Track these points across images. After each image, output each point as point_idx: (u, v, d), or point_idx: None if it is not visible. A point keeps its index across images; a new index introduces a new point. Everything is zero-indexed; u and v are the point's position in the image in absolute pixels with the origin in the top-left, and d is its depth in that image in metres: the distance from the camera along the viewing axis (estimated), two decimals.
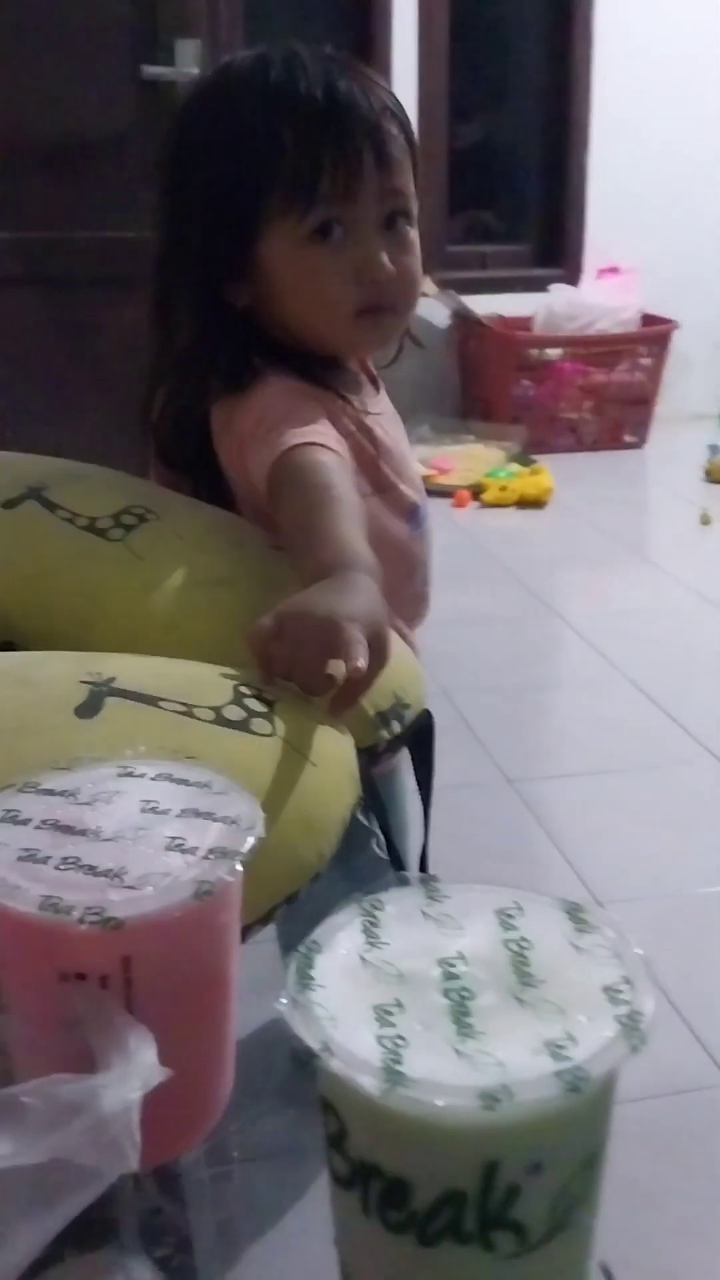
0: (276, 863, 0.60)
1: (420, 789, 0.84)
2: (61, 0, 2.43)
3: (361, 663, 0.64)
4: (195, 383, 0.95)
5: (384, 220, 0.92)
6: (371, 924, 0.44)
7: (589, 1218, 0.41)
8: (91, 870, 0.45)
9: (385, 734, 0.76)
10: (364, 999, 0.40)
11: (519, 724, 2.30)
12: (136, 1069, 0.42)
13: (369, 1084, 0.37)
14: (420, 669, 0.84)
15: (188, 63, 2.46)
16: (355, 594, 0.69)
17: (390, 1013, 0.39)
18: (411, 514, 1.01)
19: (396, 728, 0.77)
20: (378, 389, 1.05)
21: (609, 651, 2.53)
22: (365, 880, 0.52)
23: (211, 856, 0.46)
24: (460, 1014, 0.39)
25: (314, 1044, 0.38)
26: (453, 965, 0.42)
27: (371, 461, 0.97)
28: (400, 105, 0.94)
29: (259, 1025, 0.59)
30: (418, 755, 0.82)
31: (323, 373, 0.95)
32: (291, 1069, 0.85)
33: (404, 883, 0.46)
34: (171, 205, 0.95)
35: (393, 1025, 0.39)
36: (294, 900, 0.63)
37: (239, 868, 0.46)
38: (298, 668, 0.67)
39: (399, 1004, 0.40)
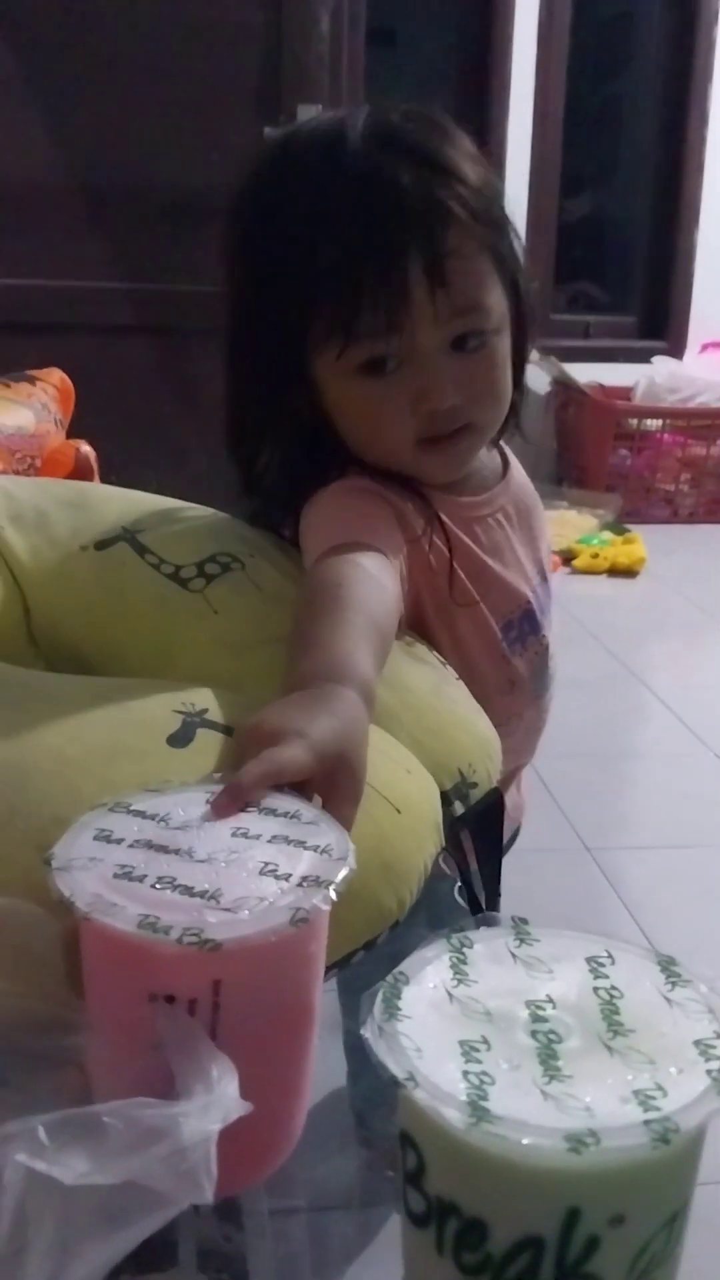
0: (357, 908, 0.59)
1: (481, 873, 0.77)
2: (191, 64, 2.52)
3: (261, 767, 0.53)
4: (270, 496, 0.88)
5: (450, 343, 0.80)
6: (460, 961, 0.43)
7: (663, 1277, 0.40)
8: (188, 891, 0.45)
9: (448, 815, 0.70)
10: (450, 1033, 0.40)
11: (600, 792, 2.26)
12: (218, 1100, 0.41)
13: (453, 1117, 0.36)
14: (494, 743, 0.78)
15: None
16: (320, 709, 0.58)
17: (476, 1049, 0.39)
18: (506, 630, 0.90)
19: (459, 808, 0.72)
20: (506, 470, 0.94)
21: (695, 724, 2.49)
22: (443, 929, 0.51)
23: (305, 884, 0.46)
24: (547, 1056, 0.39)
25: (399, 1073, 0.38)
26: (541, 1008, 0.41)
27: (445, 571, 0.86)
28: (485, 184, 0.80)
29: (333, 1064, 0.59)
30: (482, 837, 0.76)
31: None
32: (355, 1118, 0.84)
33: (488, 923, 0.46)
34: (232, 304, 0.86)
35: (479, 1061, 0.38)
36: (372, 947, 0.62)
37: (334, 896, 0.46)
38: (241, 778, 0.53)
39: (485, 1041, 0.39)
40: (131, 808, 0.52)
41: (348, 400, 0.82)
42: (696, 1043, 0.40)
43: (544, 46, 3.90)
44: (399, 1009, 0.40)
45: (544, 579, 0.96)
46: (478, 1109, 0.36)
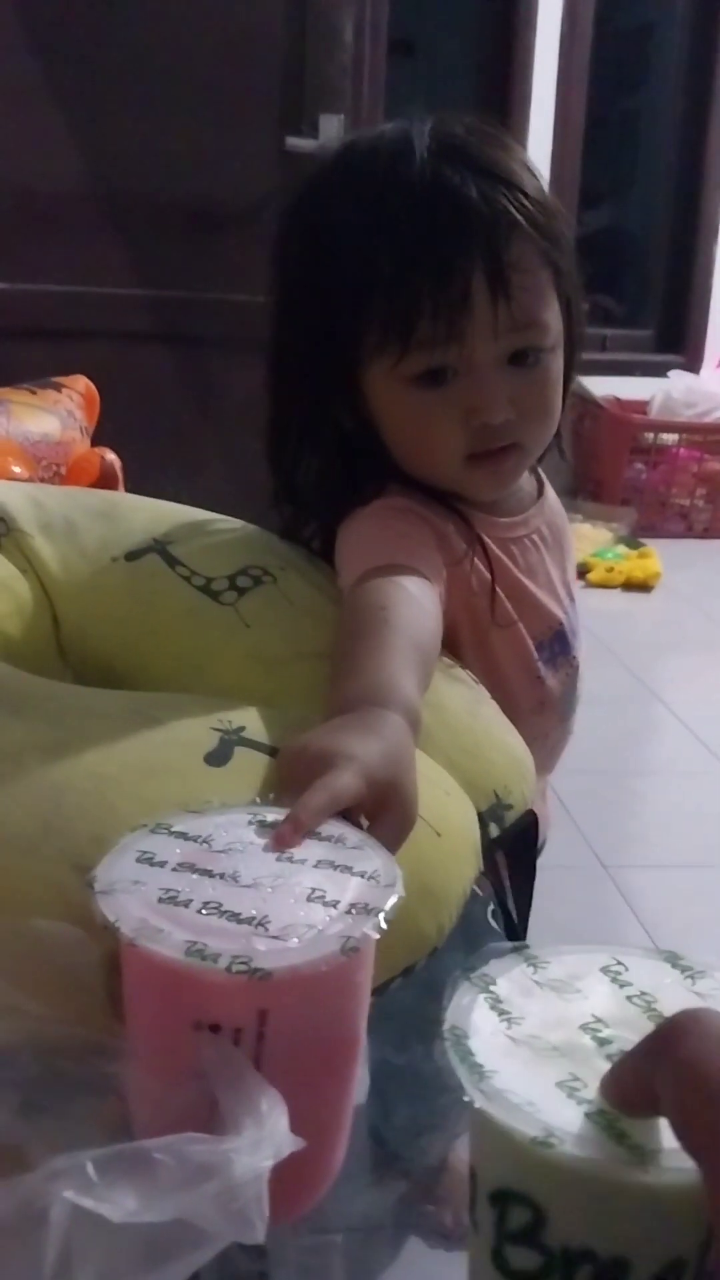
0: (397, 934, 0.57)
1: (515, 897, 0.76)
2: (213, 73, 2.52)
3: (321, 797, 0.52)
4: (308, 508, 0.88)
5: (507, 358, 0.79)
6: (495, 1000, 0.43)
7: None
8: (234, 917, 0.44)
9: (483, 837, 0.70)
10: (541, 1078, 0.39)
11: (616, 809, 2.25)
12: (270, 1136, 0.40)
13: (615, 1163, 0.35)
14: (529, 765, 0.77)
15: (331, 137, 2.53)
16: (369, 734, 0.57)
17: (576, 1088, 0.38)
18: (538, 650, 0.90)
19: (495, 830, 0.71)
20: (541, 492, 0.93)
21: (711, 741, 2.47)
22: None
23: (354, 911, 0.45)
24: None
25: (535, 1134, 0.36)
26: (597, 1030, 0.41)
27: (485, 592, 0.85)
28: (546, 199, 0.80)
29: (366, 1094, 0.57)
30: (517, 860, 0.75)
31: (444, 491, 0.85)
32: (375, 1144, 0.83)
33: (499, 953, 0.45)
34: (279, 309, 0.85)
35: (589, 1100, 0.38)
36: (410, 974, 0.61)
37: (383, 925, 0.44)
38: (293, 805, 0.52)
39: (577, 1078, 0.38)
40: (173, 829, 0.51)
41: (398, 411, 0.81)
42: None
43: (565, 58, 3.90)
44: (481, 1067, 0.39)
45: (572, 599, 0.95)
46: (634, 1149, 0.36)
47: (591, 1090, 0.38)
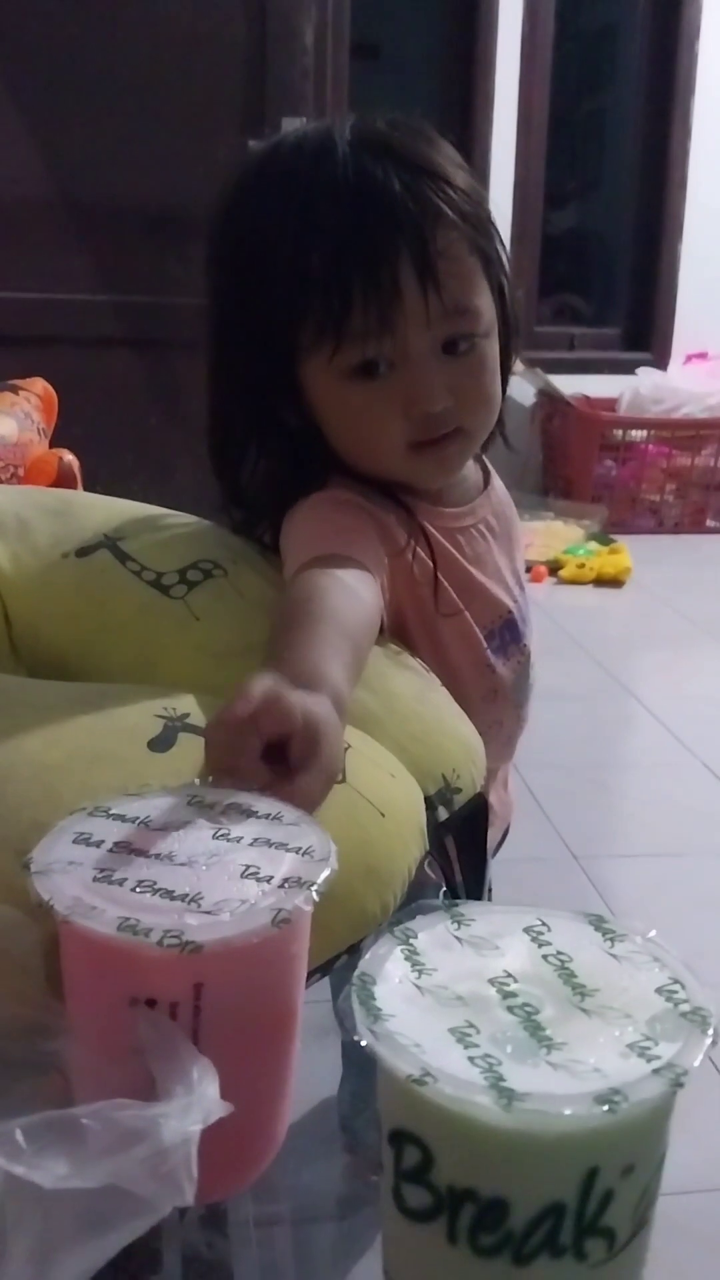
0: (339, 912, 0.59)
1: (465, 879, 0.77)
2: (175, 78, 2.53)
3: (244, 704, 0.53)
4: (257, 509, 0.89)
5: (440, 346, 0.80)
6: (411, 952, 0.44)
7: (652, 1215, 0.41)
8: (168, 894, 0.45)
9: (432, 820, 0.70)
10: (436, 1024, 0.40)
11: (588, 801, 2.26)
12: (199, 1101, 0.41)
13: (484, 1104, 0.36)
14: (478, 749, 0.78)
15: None
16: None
17: (468, 1034, 0.39)
18: (488, 639, 0.90)
19: (443, 814, 0.72)
20: (488, 482, 0.94)
21: (683, 734, 2.49)
22: None
23: (287, 886, 0.46)
24: (533, 1028, 0.40)
25: (413, 1072, 0.38)
26: (505, 984, 0.42)
27: (428, 581, 0.85)
28: (471, 189, 0.80)
29: (322, 1074, 0.58)
30: (466, 843, 0.75)
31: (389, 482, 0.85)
32: (340, 1127, 0.83)
33: (428, 910, 0.47)
34: (215, 311, 0.86)
35: (476, 1045, 0.39)
36: (355, 951, 0.62)
37: (315, 897, 0.45)
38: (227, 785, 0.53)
39: (472, 1025, 0.40)
40: (111, 811, 0.51)
41: (338, 406, 0.82)
42: (659, 990, 0.41)
43: (527, 60, 3.93)
44: (379, 1009, 0.40)
45: (522, 588, 0.96)
46: (504, 1091, 0.37)
47: (482, 1037, 0.39)
